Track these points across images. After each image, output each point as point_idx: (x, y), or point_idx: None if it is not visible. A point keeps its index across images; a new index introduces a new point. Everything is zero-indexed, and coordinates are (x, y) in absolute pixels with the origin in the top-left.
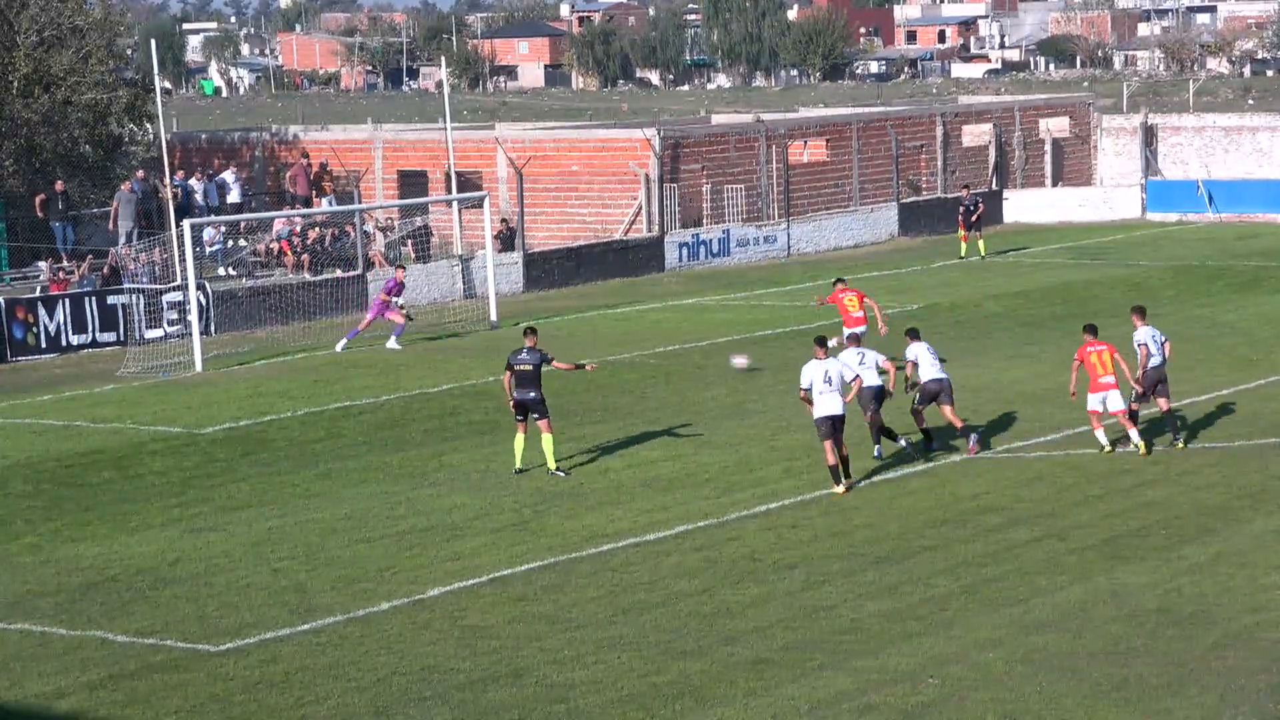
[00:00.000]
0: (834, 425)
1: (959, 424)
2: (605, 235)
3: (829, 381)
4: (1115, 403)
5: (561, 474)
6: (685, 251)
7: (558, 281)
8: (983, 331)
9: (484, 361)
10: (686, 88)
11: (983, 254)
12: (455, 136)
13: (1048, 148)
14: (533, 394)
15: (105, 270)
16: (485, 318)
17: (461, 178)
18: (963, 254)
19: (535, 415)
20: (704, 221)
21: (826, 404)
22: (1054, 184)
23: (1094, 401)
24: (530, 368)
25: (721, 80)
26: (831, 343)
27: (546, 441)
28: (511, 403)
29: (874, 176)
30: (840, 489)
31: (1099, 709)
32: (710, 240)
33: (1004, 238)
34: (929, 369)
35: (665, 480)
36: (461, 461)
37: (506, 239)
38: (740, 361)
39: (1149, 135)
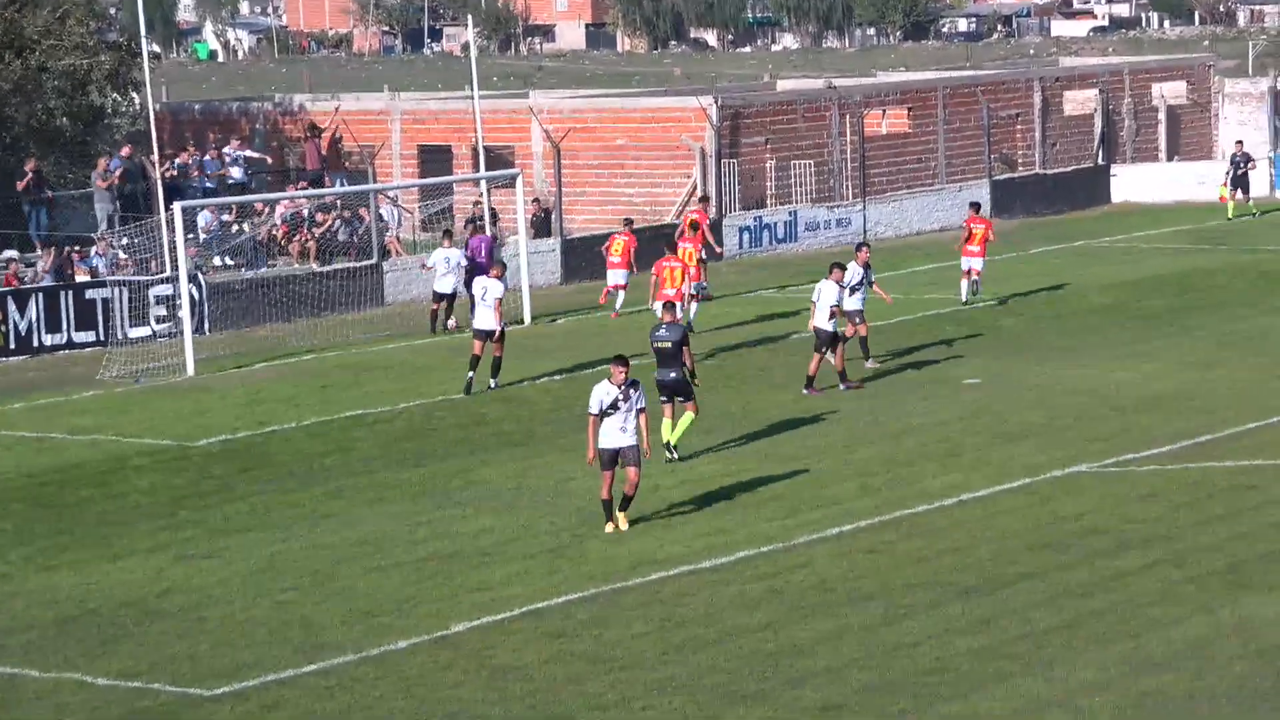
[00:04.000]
0: (613, 457)
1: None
2: (655, 218)
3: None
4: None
5: (674, 456)
6: (746, 236)
7: (600, 272)
8: (1088, 327)
9: (517, 363)
10: (748, 49)
11: (1255, 212)
12: (483, 106)
13: (1162, 116)
14: (674, 374)
15: (65, 262)
16: (518, 313)
17: (491, 153)
18: (1230, 215)
19: (680, 398)
20: (768, 202)
21: (610, 434)
22: (1169, 158)
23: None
24: (670, 345)
25: (788, 41)
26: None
27: (685, 417)
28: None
29: (962, 150)
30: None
31: None
32: (775, 223)
33: (1112, 219)
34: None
35: (724, 499)
36: (491, 477)
37: (541, 223)
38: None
39: (1278, 103)
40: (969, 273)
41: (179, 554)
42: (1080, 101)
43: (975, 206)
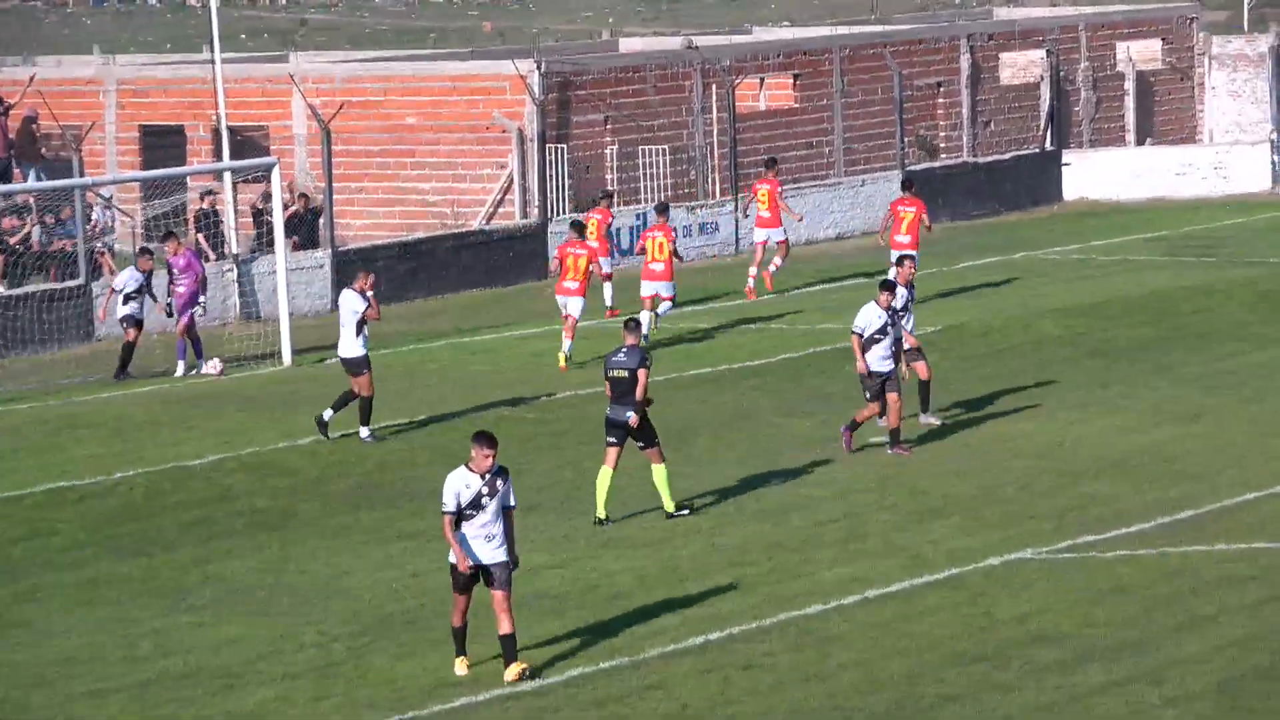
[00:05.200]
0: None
1: None
2: (458, 223)
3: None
4: None
5: (686, 512)
6: None
7: (386, 294)
8: (1035, 366)
9: (272, 419)
10: None
11: None
12: (228, 73)
13: (1129, 86)
14: (631, 411)
15: None
16: (274, 350)
17: (238, 136)
18: None
19: (640, 443)
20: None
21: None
22: (1139, 141)
23: None
24: (627, 374)
25: None
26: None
27: (659, 475)
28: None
29: (867, 131)
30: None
31: None
32: (617, 230)
33: (1065, 223)
34: None
35: (552, 597)
36: (237, 572)
37: (306, 228)
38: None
39: None
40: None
41: None
42: (1022, 66)
43: (906, 184)
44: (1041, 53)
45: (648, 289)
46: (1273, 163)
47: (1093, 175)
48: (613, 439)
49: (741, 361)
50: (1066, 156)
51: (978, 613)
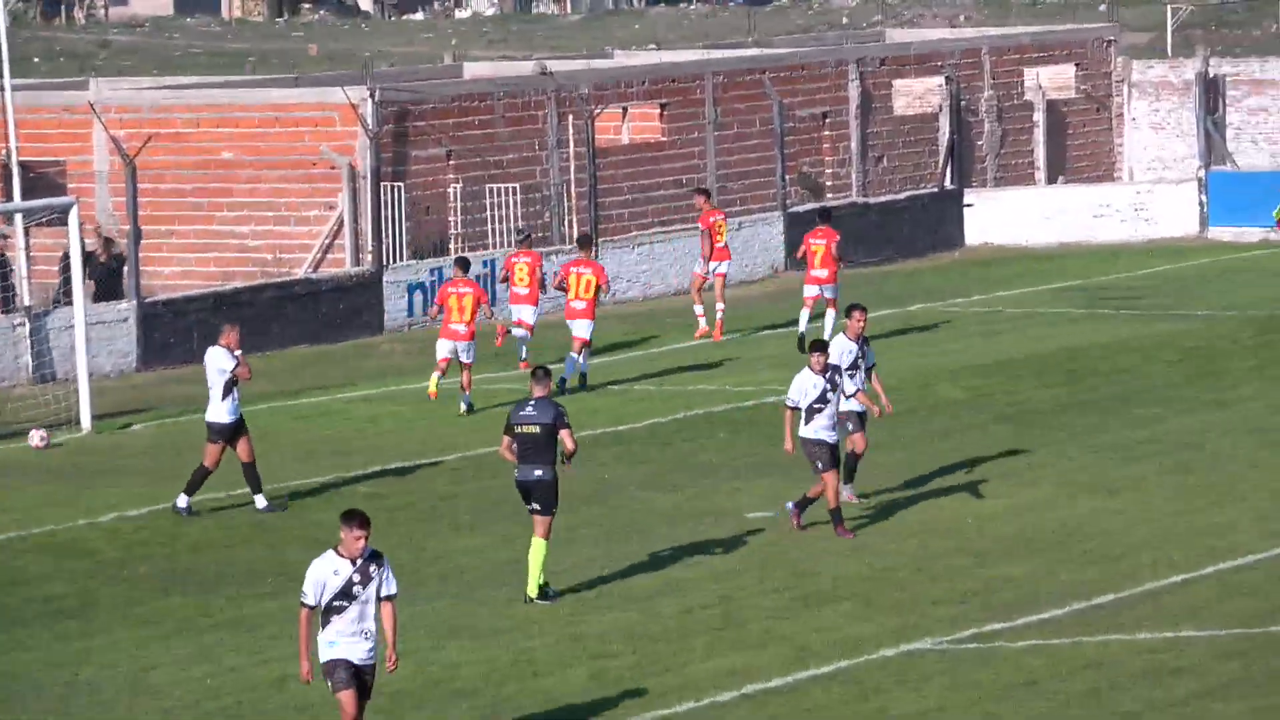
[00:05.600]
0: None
1: None
2: (281, 271)
3: None
4: None
5: (548, 601)
6: (420, 298)
7: (198, 352)
8: (934, 433)
9: (69, 493)
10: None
11: None
12: (19, 101)
13: (1039, 116)
14: (539, 472)
15: None
16: (71, 416)
17: (30, 172)
18: None
19: (535, 506)
20: (451, 246)
21: None
22: (1051, 179)
23: None
24: (538, 430)
25: (478, 3)
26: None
27: (537, 550)
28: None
29: (744, 168)
30: None
31: None
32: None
33: (967, 271)
34: None
35: (387, 693)
36: (29, 667)
37: (108, 277)
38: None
39: (1212, 95)
40: (820, 298)
41: None
42: (918, 94)
43: (823, 215)
44: (940, 79)
45: (572, 326)
46: (1200, 203)
47: (998, 217)
48: (534, 506)
49: (601, 427)
50: (968, 196)
51: (871, 710)
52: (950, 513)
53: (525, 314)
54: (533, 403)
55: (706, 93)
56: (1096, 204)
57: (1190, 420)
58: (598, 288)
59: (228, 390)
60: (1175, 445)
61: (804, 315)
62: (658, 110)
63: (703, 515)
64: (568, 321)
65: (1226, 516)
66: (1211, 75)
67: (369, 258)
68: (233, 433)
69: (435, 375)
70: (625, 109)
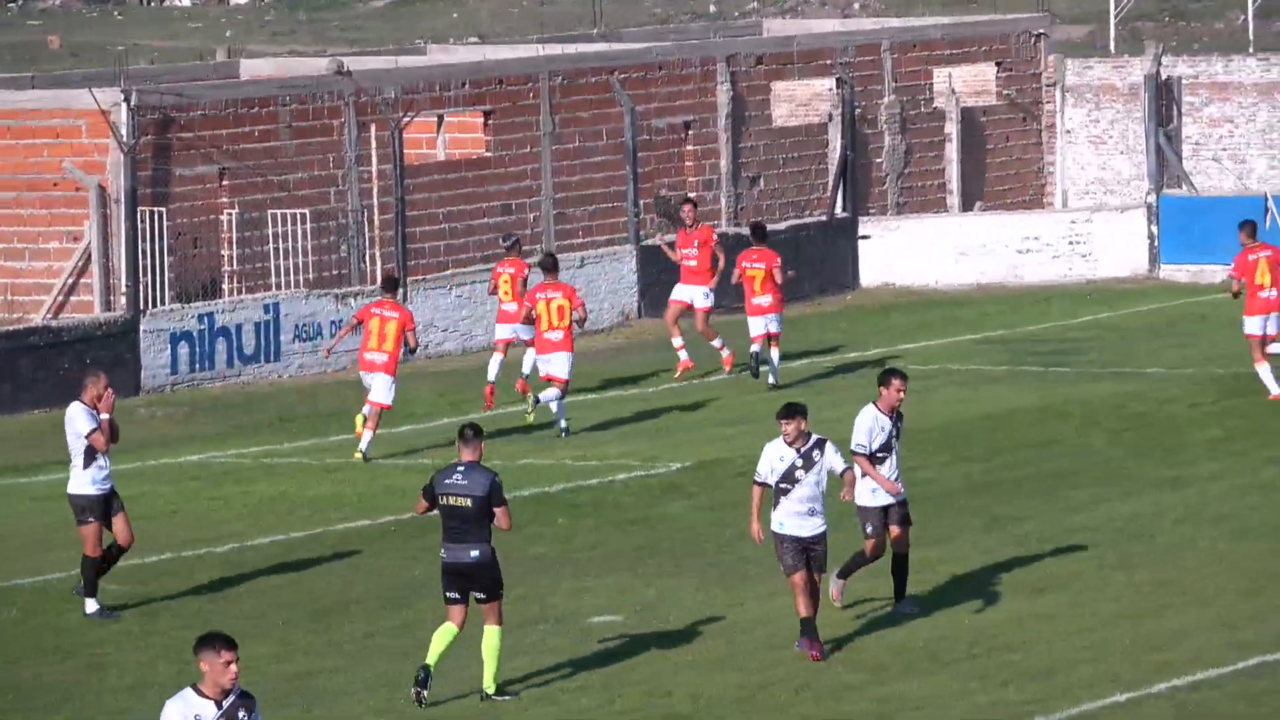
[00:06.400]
0: None
1: None
2: (13, 316)
3: None
4: None
5: (507, 698)
6: (186, 351)
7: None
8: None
9: None
10: (185, 1)
11: None
12: None
13: (953, 128)
14: (475, 553)
15: None
16: None
17: None
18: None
19: (481, 595)
20: (224, 287)
21: None
22: (966, 206)
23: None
24: (469, 502)
25: None
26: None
27: (490, 639)
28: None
29: (588, 190)
30: None
31: None
32: (235, 327)
33: (862, 318)
34: None
35: None
36: None
37: None
38: None
39: (1165, 102)
40: (767, 338)
41: None
42: (804, 100)
43: (757, 232)
44: (830, 82)
45: (542, 365)
46: (1150, 236)
47: (901, 253)
48: (453, 594)
49: (408, 510)
50: (865, 226)
51: None
52: (838, 616)
53: (503, 332)
54: (461, 468)
55: (542, 97)
56: (1022, 237)
57: (1138, 504)
58: (573, 312)
59: (89, 458)
60: (1119, 535)
61: (755, 345)
62: (481, 119)
63: (535, 621)
64: (539, 358)
65: (1182, 622)
66: (1164, 78)
67: (123, 300)
68: (104, 508)
69: (366, 435)
70: (441, 117)
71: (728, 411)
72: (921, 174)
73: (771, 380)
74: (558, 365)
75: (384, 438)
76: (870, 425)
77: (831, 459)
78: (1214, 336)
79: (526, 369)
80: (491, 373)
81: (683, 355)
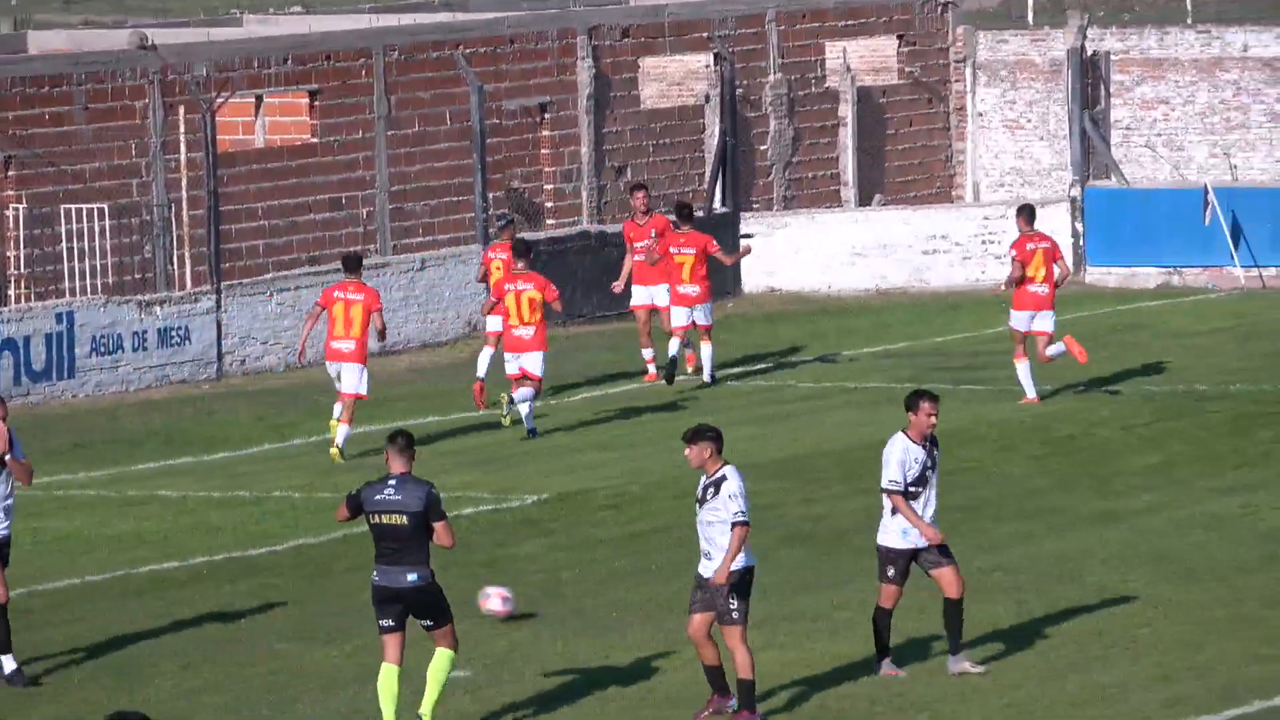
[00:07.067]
0: None
1: None
2: None
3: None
4: None
5: None
6: None
7: None
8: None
9: None
10: None
11: None
12: None
13: (848, 111)
14: (413, 576)
15: None
16: None
17: None
18: None
19: (428, 621)
20: (11, 293)
21: None
22: (864, 200)
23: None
24: (404, 520)
25: None
26: None
27: (440, 661)
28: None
29: (428, 182)
30: None
31: None
32: (25, 339)
33: (746, 328)
34: None
35: None
36: None
37: None
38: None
39: (1091, 81)
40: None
41: None
42: (677, 79)
43: (683, 213)
44: (707, 58)
45: (511, 363)
46: (1074, 233)
47: (789, 254)
48: (388, 621)
49: (223, 551)
50: (747, 224)
51: None
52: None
53: (495, 324)
54: (393, 482)
55: (375, 75)
56: (928, 235)
57: (1064, 541)
58: (545, 305)
59: None
60: (1042, 576)
61: (674, 344)
62: (306, 100)
63: (371, 677)
64: (507, 355)
65: (1113, 677)
66: (1090, 53)
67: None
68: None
69: (343, 430)
70: (259, 98)
71: (595, 434)
72: (812, 163)
73: (707, 376)
74: (532, 363)
75: (195, 467)
76: (902, 458)
77: (725, 501)
78: (1149, 348)
79: (482, 371)
80: (481, 368)
81: (652, 369)
